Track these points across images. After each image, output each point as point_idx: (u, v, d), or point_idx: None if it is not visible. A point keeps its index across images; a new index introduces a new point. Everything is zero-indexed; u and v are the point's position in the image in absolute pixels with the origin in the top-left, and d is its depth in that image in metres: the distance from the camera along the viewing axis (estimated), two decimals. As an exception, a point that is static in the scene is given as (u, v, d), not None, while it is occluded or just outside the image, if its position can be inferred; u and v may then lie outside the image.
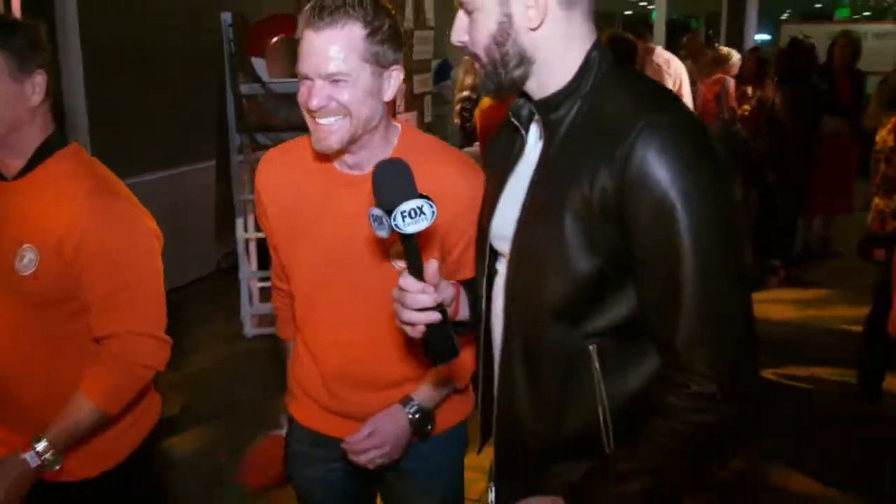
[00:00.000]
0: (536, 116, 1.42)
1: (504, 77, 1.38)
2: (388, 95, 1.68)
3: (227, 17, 5.07)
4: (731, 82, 6.70)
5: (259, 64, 5.20)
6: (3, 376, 1.86)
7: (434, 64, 8.74)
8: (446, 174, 1.71)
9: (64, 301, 1.80)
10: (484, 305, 1.54)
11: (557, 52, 1.36)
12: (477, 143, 5.30)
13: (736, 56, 6.94)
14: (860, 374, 4.43)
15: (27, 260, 1.77)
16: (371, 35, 1.61)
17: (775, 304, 5.92)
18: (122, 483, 1.93)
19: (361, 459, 1.78)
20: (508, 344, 1.45)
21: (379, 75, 1.65)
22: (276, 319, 2.11)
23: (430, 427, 1.83)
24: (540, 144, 1.42)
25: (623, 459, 1.34)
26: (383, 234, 1.35)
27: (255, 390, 4.32)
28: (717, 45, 7.48)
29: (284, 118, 5.04)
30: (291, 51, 6.23)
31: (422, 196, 1.33)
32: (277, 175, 1.86)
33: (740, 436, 1.33)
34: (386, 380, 1.82)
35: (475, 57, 1.40)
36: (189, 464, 3.76)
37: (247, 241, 5.53)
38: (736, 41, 10.02)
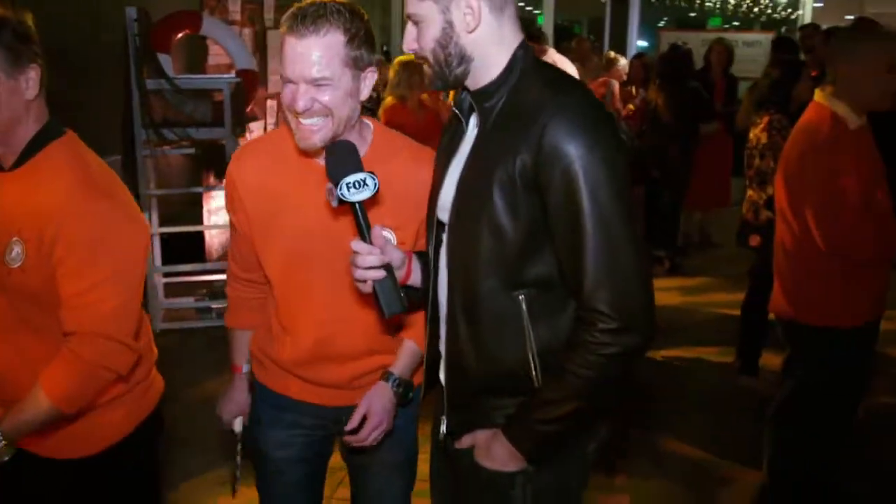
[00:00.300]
0: (474, 106, 1.64)
1: (449, 75, 1.62)
2: (364, 95, 1.83)
3: (131, 12, 5.03)
4: (616, 84, 7.06)
5: (164, 60, 5.19)
6: None
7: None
8: (417, 167, 1.90)
9: (50, 294, 1.78)
10: (432, 269, 1.75)
11: (491, 51, 1.60)
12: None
13: (623, 60, 7.32)
14: (739, 352, 4.80)
15: (15, 253, 1.77)
16: (350, 41, 1.74)
17: (661, 292, 6.24)
18: (125, 458, 1.96)
19: (366, 442, 1.96)
20: (452, 298, 1.67)
21: (357, 77, 1.79)
22: (227, 308, 2.22)
23: (410, 395, 2.02)
24: (477, 129, 1.64)
25: (550, 390, 1.58)
26: (334, 203, 1.59)
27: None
28: (604, 51, 7.87)
29: (189, 113, 5.05)
30: (195, 47, 6.25)
31: (359, 169, 1.57)
32: (254, 167, 1.96)
33: (638, 360, 1.58)
34: (356, 352, 2.00)
35: (424, 60, 1.62)
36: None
37: (151, 237, 5.52)
38: (619, 46, 10.51)
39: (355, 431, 1.95)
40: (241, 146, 2.11)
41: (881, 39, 2.82)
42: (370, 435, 1.96)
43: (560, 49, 8.47)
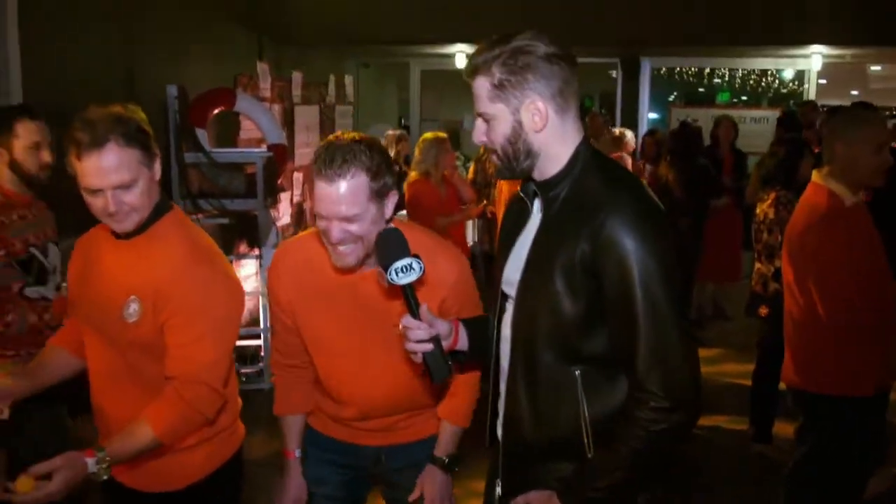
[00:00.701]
0: (538, 193, 1.83)
1: (517, 167, 1.80)
2: (388, 213, 2.05)
3: (172, 89, 5.34)
4: (628, 159, 7.30)
5: (201, 134, 5.46)
6: (103, 404, 2.17)
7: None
8: (437, 262, 2.10)
9: (155, 345, 2.05)
10: (494, 336, 1.95)
11: (555, 147, 1.77)
12: (404, 211, 5.66)
13: (629, 135, 7.57)
14: (752, 420, 4.92)
15: (132, 310, 2.05)
16: (373, 177, 1.96)
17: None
18: (206, 496, 2.21)
19: None
20: (514, 366, 1.85)
21: (381, 204, 2.01)
22: (276, 398, 2.43)
23: (457, 464, 2.26)
24: (540, 215, 1.83)
25: (602, 459, 1.74)
26: (385, 283, 1.81)
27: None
28: (611, 127, 8.14)
29: (224, 185, 5.30)
30: (227, 121, 6.55)
31: (407, 254, 1.79)
32: (292, 270, 2.21)
33: (685, 436, 1.75)
34: (398, 410, 2.25)
35: (493, 151, 1.81)
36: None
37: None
38: (630, 120, 10.80)
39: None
40: (277, 248, 2.37)
41: (871, 123, 3.05)
42: None
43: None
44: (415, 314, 1.81)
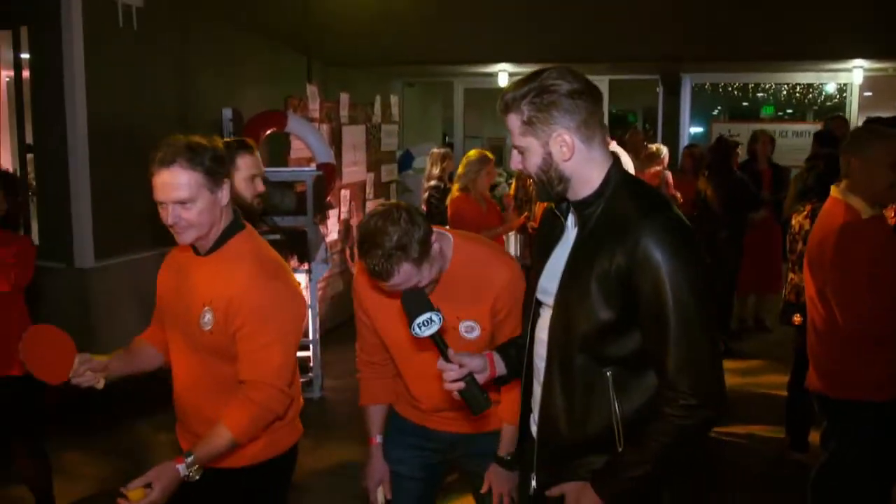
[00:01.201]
0: (573, 210, 2.03)
1: (552, 191, 1.99)
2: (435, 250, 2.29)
3: (227, 112, 5.64)
4: (669, 175, 7.42)
5: (254, 154, 5.73)
6: (185, 404, 2.46)
7: (397, 155, 9.38)
8: (490, 266, 2.38)
9: (227, 350, 2.32)
10: (528, 340, 2.15)
11: (585, 172, 1.96)
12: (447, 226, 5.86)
13: (664, 151, 7.71)
14: (788, 428, 5.02)
15: (207, 319, 2.32)
16: (420, 256, 2.20)
17: (715, 373, 6.55)
18: (259, 477, 2.48)
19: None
20: (549, 367, 2.03)
21: (426, 239, 2.23)
22: (360, 391, 2.74)
23: (517, 462, 2.46)
24: (575, 230, 2.02)
25: (633, 453, 1.92)
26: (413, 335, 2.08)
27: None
28: (646, 143, 8.26)
29: (278, 203, 5.56)
30: (277, 141, 6.84)
31: (431, 310, 2.04)
32: (368, 279, 2.45)
33: (708, 431, 1.93)
34: (463, 408, 2.45)
35: (530, 176, 2.02)
36: None
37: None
38: (671, 135, 10.89)
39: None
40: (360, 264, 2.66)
41: (887, 139, 3.16)
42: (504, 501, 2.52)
43: (614, 137, 8.89)
44: (445, 357, 2.04)
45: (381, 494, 2.70)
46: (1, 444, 3.87)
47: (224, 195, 2.32)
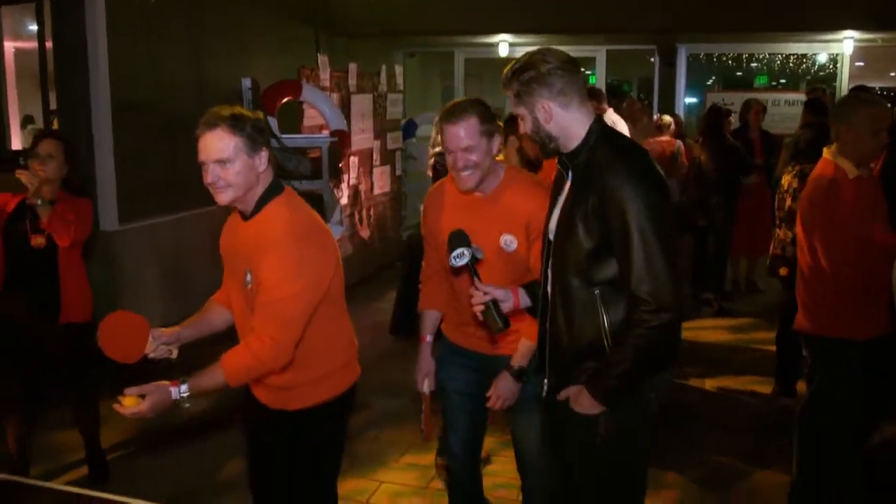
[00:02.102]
0: (567, 161, 2.44)
1: (548, 148, 2.45)
2: (494, 151, 2.80)
3: (247, 81, 5.91)
4: (681, 144, 7.70)
5: (272, 122, 6.01)
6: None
7: (402, 123, 9.63)
8: (528, 194, 2.81)
9: None
10: (543, 274, 2.55)
11: (569, 130, 2.39)
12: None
13: (670, 120, 7.99)
14: (776, 377, 5.37)
15: (248, 279, 2.53)
16: (482, 121, 2.70)
17: (710, 331, 6.88)
18: (317, 417, 2.71)
19: (496, 407, 2.93)
20: (553, 292, 2.46)
21: (489, 142, 2.74)
22: (420, 297, 3.20)
23: (524, 376, 2.88)
24: (570, 177, 2.43)
25: (614, 354, 2.32)
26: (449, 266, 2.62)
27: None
28: (657, 114, 8.50)
29: (294, 167, 5.85)
30: (291, 109, 7.10)
31: (465, 246, 2.54)
32: (432, 200, 3.04)
33: (674, 332, 2.31)
34: None
35: (529, 137, 2.46)
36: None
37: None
38: (667, 105, 11.15)
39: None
40: (431, 186, 3.12)
41: (870, 106, 3.48)
42: (496, 404, 2.91)
43: (610, 105, 9.14)
44: (474, 286, 2.53)
45: (426, 385, 3.11)
46: (56, 390, 4.19)
47: (261, 162, 2.52)
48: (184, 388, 2.44)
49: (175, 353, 2.73)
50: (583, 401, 2.37)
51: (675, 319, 2.26)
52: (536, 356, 2.73)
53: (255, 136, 2.50)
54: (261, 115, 2.62)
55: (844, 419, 3.60)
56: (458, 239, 2.57)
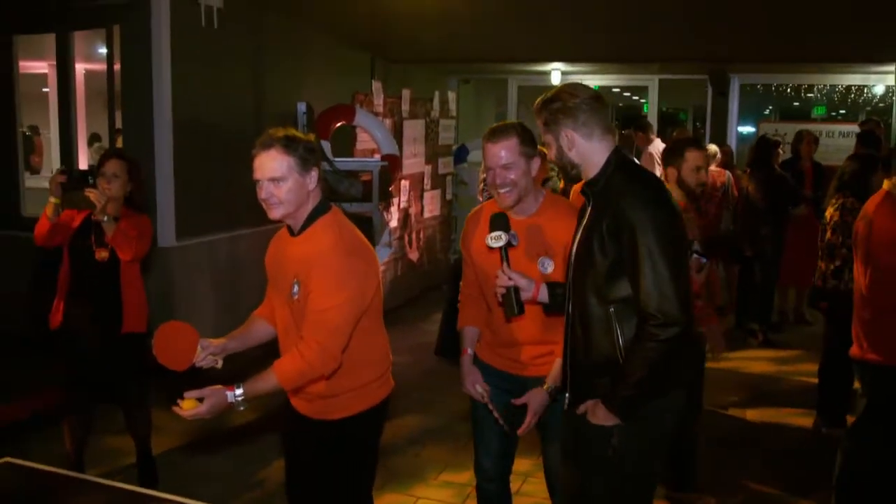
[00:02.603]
0: (588, 188, 2.62)
1: (570, 174, 2.65)
2: (533, 173, 2.92)
3: (301, 106, 6.11)
4: (731, 175, 7.73)
5: (325, 145, 6.20)
6: (282, 351, 2.83)
7: (453, 148, 9.80)
8: (563, 219, 2.92)
9: None
10: (569, 294, 2.68)
11: (591, 158, 2.58)
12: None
13: (715, 149, 8.03)
14: (818, 407, 5.33)
15: (295, 290, 2.69)
16: (522, 142, 2.86)
17: (753, 361, 6.85)
18: (355, 426, 2.84)
19: (527, 422, 2.99)
20: (572, 310, 2.63)
21: (530, 165, 2.88)
22: (459, 315, 3.28)
23: (557, 394, 2.96)
24: (591, 204, 2.60)
25: (626, 366, 2.46)
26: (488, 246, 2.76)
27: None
28: (706, 137, 8.55)
29: (346, 190, 6.02)
30: (344, 133, 7.31)
31: (504, 230, 2.70)
32: (472, 222, 3.15)
33: (680, 345, 2.43)
34: (529, 341, 3.03)
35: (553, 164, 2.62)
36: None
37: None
38: (720, 134, 11.14)
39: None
40: (474, 209, 3.23)
41: None
42: (530, 420, 2.98)
43: (663, 136, 9.18)
44: (502, 269, 2.71)
45: (479, 389, 3.13)
46: (111, 396, 4.39)
47: (312, 181, 2.68)
48: (239, 391, 2.60)
49: (220, 364, 2.88)
50: (598, 413, 2.52)
51: (683, 333, 2.40)
52: None
53: (307, 157, 2.66)
54: (312, 136, 2.78)
55: (887, 446, 3.63)
56: (500, 222, 2.74)
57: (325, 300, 2.61)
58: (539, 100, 2.63)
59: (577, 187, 4.50)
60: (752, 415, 5.68)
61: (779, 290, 7.93)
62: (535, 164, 2.91)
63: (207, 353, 2.82)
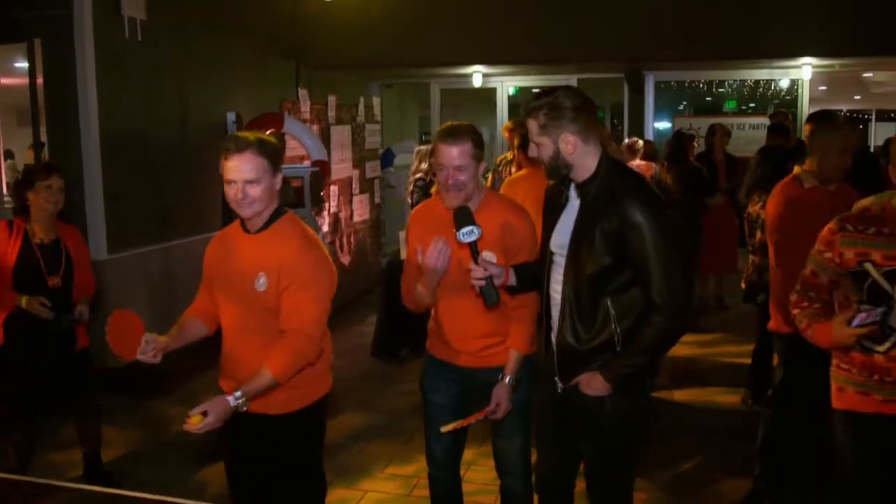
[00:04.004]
0: (576, 188, 2.78)
1: (559, 174, 2.77)
2: (480, 173, 3.04)
3: (231, 115, 6.18)
4: (656, 167, 8.01)
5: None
6: (235, 353, 2.93)
7: (379, 152, 9.90)
8: (509, 214, 3.07)
9: (276, 307, 2.81)
10: (544, 280, 2.88)
11: (585, 161, 2.73)
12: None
13: (640, 143, 8.36)
14: (748, 385, 5.63)
15: (262, 282, 2.80)
16: (476, 146, 2.98)
17: (679, 345, 6.93)
18: (308, 419, 2.97)
19: (498, 416, 3.11)
20: (564, 299, 2.79)
21: (478, 167, 2.99)
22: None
23: (518, 385, 3.12)
24: (578, 201, 2.77)
25: (630, 349, 2.69)
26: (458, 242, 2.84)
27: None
28: (629, 138, 8.91)
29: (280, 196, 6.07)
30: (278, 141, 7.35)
31: (472, 224, 2.80)
32: (418, 218, 3.26)
33: (680, 333, 2.78)
34: (478, 334, 3.15)
35: (541, 161, 2.77)
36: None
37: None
38: (637, 131, 11.52)
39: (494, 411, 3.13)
40: (416, 206, 3.36)
41: (839, 129, 3.92)
42: (500, 411, 3.11)
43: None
44: (476, 261, 2.83)
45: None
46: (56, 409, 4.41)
47: (278, 181, 2.85)
48: (238, 394, 2.72)
49: (159, 359, 2.95)
50: (595, 384, 2.75)
51: (685, 323, 2.74)
52: (525, 365, 3.09)
53: (275, 159, 2.82)
54: (276, 140, 2.91)
55: (801, 412, 3.91)
56: (466, 217, 2.84)
57: (305, 292, 2.77)
58: (533, 101, 2.73)
59: (516, 177, 4.66)
60: (679, 395, 5.93)
61: (699, 277, 8.22)
62: (482, 167, 3.04)
63: (151, 346, 2.89)
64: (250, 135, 2.80)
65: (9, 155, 10.84)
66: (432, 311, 3.29)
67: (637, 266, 2.62)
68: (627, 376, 2.71)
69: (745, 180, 6.16)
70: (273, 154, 2.80)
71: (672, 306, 2.59)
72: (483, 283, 2.80)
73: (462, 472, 3.49)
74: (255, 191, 2.75)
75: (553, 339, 2.87)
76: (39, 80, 6.51)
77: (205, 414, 2.66)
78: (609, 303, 2.68)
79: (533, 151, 2.79)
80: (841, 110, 11.63)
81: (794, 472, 4.15)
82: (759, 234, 5.00)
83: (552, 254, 2.85)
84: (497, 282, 2.85)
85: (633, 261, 2.61)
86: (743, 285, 5.34)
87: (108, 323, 2.89)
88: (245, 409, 2.76)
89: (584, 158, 2.70)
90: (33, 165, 5.09)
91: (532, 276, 2.96)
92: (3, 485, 2.95)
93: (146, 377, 3.01)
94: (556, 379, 2.88)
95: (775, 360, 4.27)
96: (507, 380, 3.11)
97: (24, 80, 7.05)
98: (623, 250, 2.61)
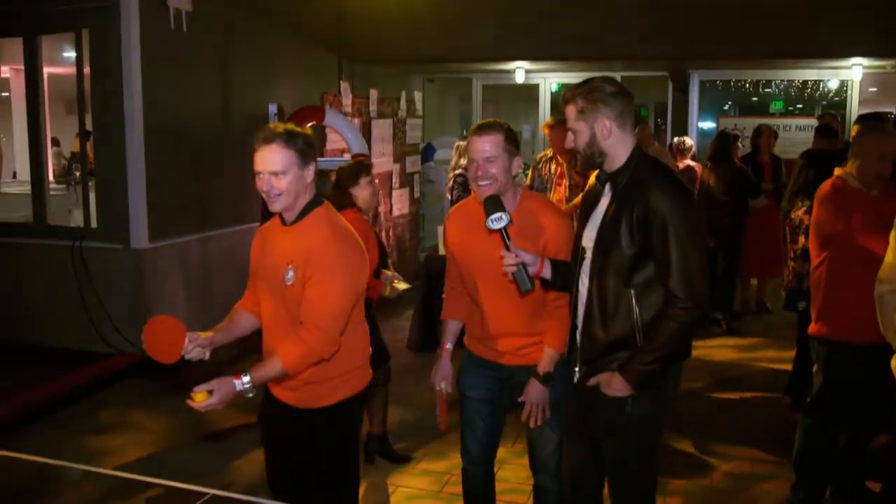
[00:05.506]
0: (608, 179, 2.77)
1: (594, 162, 2.77)
2: (514, 172, 3.01)
3: (273, 107, 6.19)
4: (698, 168, 7.94)
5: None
6: (271, 346, 2.89)
7: (420, 147, 9.91)
8: (546, 215, 3.06)
9: (302, 300, 2.78)
10: (575, 276, 2.86)
11: (618, 150, 2.72)
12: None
13: (693, 145, 8.31)
14: (789, 391, 5.53)
15: (290, 276, 2.76)
16: (506, 139, 2.95)
17: (718, 349, 7.05)
18: (344, 413, 2.95)
19: (531, 417, 3.13)
20: (591, 291, 2.77)
21: (511, 163, 2.98)
22: (443, 307, 3.41)
23: (551, 381, 3.11)
24: (609, 193, 2.76)
25: (648, 344, 2.66)
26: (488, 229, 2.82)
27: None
28: (675, 137, 8.85)
29: (319, 188, 6.08)
30: (316, 135, 7.38)
31: (501, 210, 2.78)
32: (455, 218, 3.26)
33: (699, 325, 2.71)
34: (516, 331, 3.14)
35: (577, 151, 2.76)
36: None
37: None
38: (681, 130, 11.38)
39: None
40: (454, 206, 3.37)
41: (879, 133, 3.84)
42: (532, 410, 3.12)
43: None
44: (507, 247, 2.81)
45: (444, 385, 3.33)
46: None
47: (310, 174, 2.80)
48: (245, 378, 2.71)
49: (207, 355, 2.95)
50: (615, 384, 2.72)
51: (704, 314, 2.66)
52: (559, 362, 3.07)
53: (306, 151, 2.77)
54: (310, 131, 2.88)
55: (841, 422, 3.85)
56: (496, 204, 2.82)
57: (325, 285, 2.72)
58: (572, 87, 2.75)
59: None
60: (716, 398, 5.86)
61: (741, 280, 8.15)
62: (516, 163, 3.00)
63: (195, 345, 2.89)
64: (280, 126, 2.77)
65: (55, 143, 11.07)
66: (473, 308, 3.29)
67: (657, 257, 2.60)
68: (648, 375, 2.68)
69: (789, 185, 6.10)
70: (303, 146, 2.76)
71: (690, 299, 2.56)
72: (514, 268, 2.78)
73: (495, 469, 3.47)
74: (280, 182, 2.72)
75: (577, 336, 2.87)
76: (86, 70, 6.61)
77: (210, 393, 2.66)
78: (633, 294, 2.67)
79: (569, 142, 2.78)
80: (892, 113, 11.40)
81: (832, 481, 4.06)
82: (801, 240, 4.90)
83: (583, 250, 2.84)
84: (532, 270, 2.82)
85: (655, 251, 2.60)
86: (783, 293, 5.26)
87: (143, 335, 2.87)
88: (251, 395, 2.75)
89: (618, 148, 2.69)
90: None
91: (569, 272, 2.93)
92: (29, 468, 2.97)
93: (189, 366, 3.00)
94: (576, 370, 2.88)
95: (815, 368, 4.17)
96: (538, 376, 3.09)
97: (72, 70, 7.18)
98: (647, 239, 2.60)
